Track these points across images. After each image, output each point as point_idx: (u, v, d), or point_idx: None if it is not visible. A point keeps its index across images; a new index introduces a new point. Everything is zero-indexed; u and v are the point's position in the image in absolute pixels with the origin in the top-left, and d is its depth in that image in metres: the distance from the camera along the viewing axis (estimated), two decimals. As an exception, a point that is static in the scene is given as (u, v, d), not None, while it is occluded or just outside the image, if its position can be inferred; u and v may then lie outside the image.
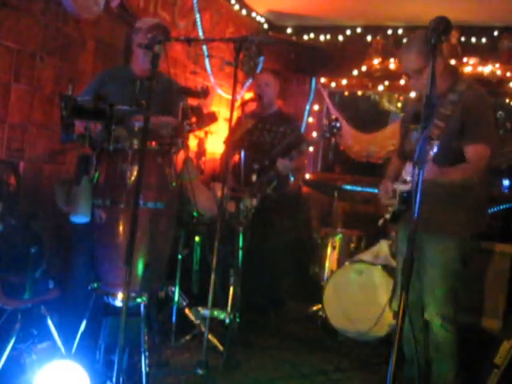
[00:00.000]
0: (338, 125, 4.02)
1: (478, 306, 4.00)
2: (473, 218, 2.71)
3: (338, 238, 4.52)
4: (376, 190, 3.04)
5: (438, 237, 2.69)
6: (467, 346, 2.80)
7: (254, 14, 5.44)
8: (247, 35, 3.18)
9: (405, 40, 5.27)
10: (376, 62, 5.44)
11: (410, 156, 2.63)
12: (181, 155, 2.85)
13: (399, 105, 6.39)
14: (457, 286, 2.71)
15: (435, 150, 2.38)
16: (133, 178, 2.51)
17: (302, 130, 5.25)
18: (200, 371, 2.95)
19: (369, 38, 5.46)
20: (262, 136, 4.20)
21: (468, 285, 2.85)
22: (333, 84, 5.67)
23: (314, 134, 5.55)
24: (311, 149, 5.59)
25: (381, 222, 2.84)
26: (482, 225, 2.81)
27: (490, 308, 3.98)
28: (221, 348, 3.35)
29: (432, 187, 2.60)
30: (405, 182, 2.63)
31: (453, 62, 2.87)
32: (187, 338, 3.50)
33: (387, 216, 2.81)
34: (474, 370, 2.85)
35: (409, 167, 2.58)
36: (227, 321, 3.40)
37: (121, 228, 2.54)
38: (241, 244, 3.47)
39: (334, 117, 4.91)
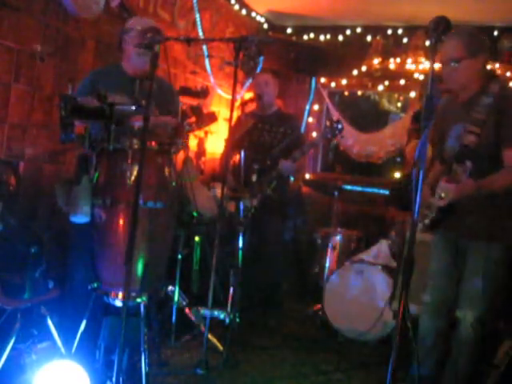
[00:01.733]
0: (339, 126, 4.02)
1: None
2: None
3: (338, 238, 4.52)
4: (375, 190, 3.04)
5: (482, 244, 2.67)
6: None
7: (253, 14, 5.44)
8: (247, 35, 3.18)
9: (405, 40, 5.29)
10: (376, 61, 5.44)
11: (447, 164, 2.62)
12: (181, 155, 2.85)
13: (399, 105, 6.40)
14: (496, 290, 2.70)
15: (468, 173, 2.39)
16: (133, 178, 2.51)
17: (302, 129, 5.26)
18: (200, 371, 2.95)
19: (369, 37, 5.46)
20: (262, 136, 4.20)
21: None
22: (333, 84, 5.67)
23: (314, 134, 5.55)
24: (311, 150, 5.59)
25: (420, 227, 2.80)
26: None
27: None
28: (221, 348, 3.35)
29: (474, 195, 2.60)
30: (440, 197, 2.60)
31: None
32: (187, 337, 3.51)
33: (426, 221, 2.75)
34: (474, 368, 2.85)
35: (443, 184, 2.57)
36: (227, 321, 3.40)
37: (121, 228, 2.53)
38: (241, 244, 3.47)
39: (335, 118, 4.92)
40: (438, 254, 2.88)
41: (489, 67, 3.08)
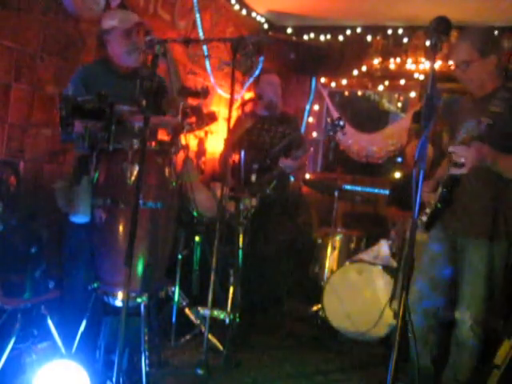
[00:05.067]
0: (341, 123, 4.03)
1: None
2: None
3: (338, 238, 4.52)
4: (376, 190, 3.01)
5: (481, 242, 2.63)
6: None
7: (254, 14, 5.44)
8: (244, 35, 3.18)
9: (405, 40, 5.29)
10: (376, 61, 5.45)
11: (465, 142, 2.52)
12: (181, 155, 2.85)
13: (399, 105, 6.40)
14: (494, 290, 2.67)
15: (483, 127, 2.33)
16: (133, 178, 2.51)
17: (302, 129, 5.26)
18: (200, 371, 2.95)
19: (369, 37, 5.46)
20: (262, 136, 4.20)
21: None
22: (333, 84, 5.68)
23: (314, 134, 5.56)
24: (311, 148, 5.59)
25: (420, 222, 2.74)
26: None
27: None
28: (221, 348, 3.35)
29: (475, 185, 2.57)
30: (459, 165, 2.47)
31: (451, 61, 2.83)
32: (187, 337, 3.50)
33: (423, 218, 2.70)
34: (473, 369, 2.85)
35: (460, 149, 2.46)
36: (227, 321, 3.40)
37: (121, 228, 2.53)
38: (241, 244, 3.47)
39: (336, 115, 4.92)
40: (433, 249, 2.85)
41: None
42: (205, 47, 4.80)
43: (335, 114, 5.42)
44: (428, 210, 2.70)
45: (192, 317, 3.53)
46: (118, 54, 3.00)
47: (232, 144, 3.83)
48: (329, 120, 4.23)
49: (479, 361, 2.76)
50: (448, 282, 2.77)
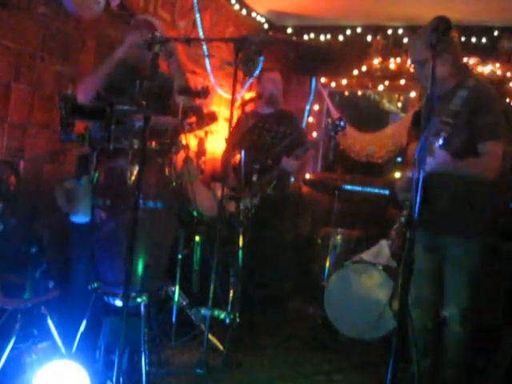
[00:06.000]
0: (342, 123, 4.03)
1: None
2: (494, 218, 2.67)
3: (338, 238, 4.52)
4: (376, 190, 3.01)
5: (458, 238, 2.65)
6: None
7: (254, 14, 5.44)
8: (247, 35, 3.17)
9: (405, 40, 5.28)
10: (376, 61, 5.44)
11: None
12: (181, 155, 2.85)
13: (399, 105, 6.39)
14: (481, 286, 2.66)
15: (441, 142, 2.36)
16: (133, 178, 2.51)
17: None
18: (200, 371, 2.95)
19: (369, 37, 5.46)
20: (263, 136, 4.20)
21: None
22: (333, 84, 5.67)
23: (314, 134, 5.55)
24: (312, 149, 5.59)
25: (396, 226, 2.78)
26: (503, 224, 2.76)
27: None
28: (221, 348, 3.35)
29: (449, 183, 2.58)
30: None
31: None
32: (187, 337, 3.50)
33: (402, 219, 2.73)
34: (473, 369, 2.85)
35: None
36: (227, 321, 3.40)
37: (121, 228, 2.53)
38: (241, 244, 3.47)
39: (338, 115, 4.91)
40: (419, 252, 2.84)
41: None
42: (205, 47, 4.80)
43: (335, 114, 5.42)
44: (405, 212, 2.71)
45: (192, 317, 3.53)
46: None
47: (233, 144, 3.83)
48: (330, 120, 4.23)
49: (477, 358, 2.76)
50: (440, 282, 2.77)
